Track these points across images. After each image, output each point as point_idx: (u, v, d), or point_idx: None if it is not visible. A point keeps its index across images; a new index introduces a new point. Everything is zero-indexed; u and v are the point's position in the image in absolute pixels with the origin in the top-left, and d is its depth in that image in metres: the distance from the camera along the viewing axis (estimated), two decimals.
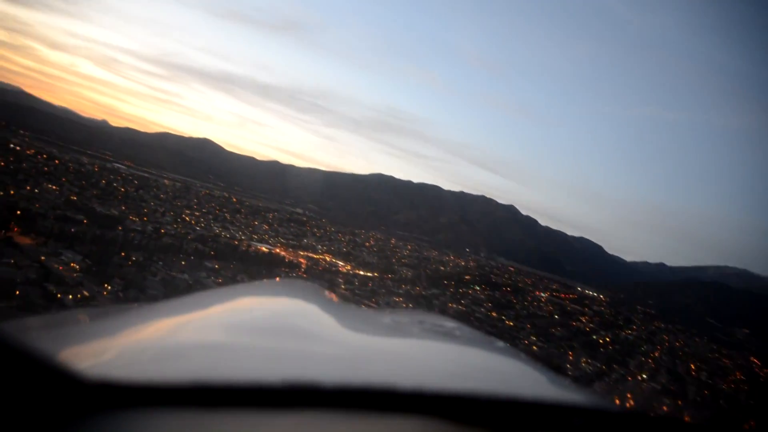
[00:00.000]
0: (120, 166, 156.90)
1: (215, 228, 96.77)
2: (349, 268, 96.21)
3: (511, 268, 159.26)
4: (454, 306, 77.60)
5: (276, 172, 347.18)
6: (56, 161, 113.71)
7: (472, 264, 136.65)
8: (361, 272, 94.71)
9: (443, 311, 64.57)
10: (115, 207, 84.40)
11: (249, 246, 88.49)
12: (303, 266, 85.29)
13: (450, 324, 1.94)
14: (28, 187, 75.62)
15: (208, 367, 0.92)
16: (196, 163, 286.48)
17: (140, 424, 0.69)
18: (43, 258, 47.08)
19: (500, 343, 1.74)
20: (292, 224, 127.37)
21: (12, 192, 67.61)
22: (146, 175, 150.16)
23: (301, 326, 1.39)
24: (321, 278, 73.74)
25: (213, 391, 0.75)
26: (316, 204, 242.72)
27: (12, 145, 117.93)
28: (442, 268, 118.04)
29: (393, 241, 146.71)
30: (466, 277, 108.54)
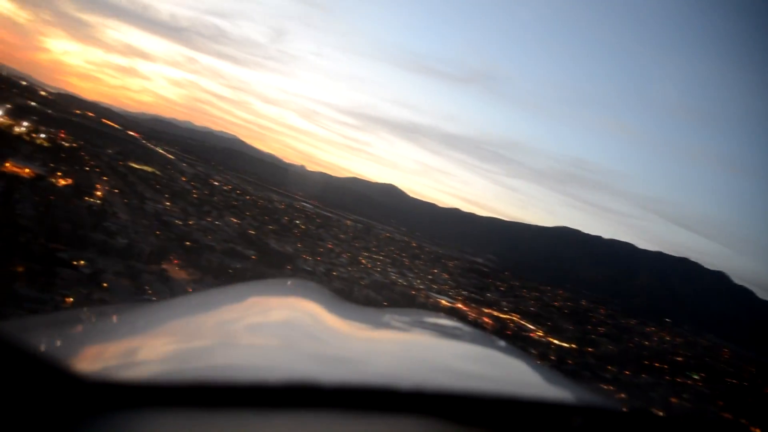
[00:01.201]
0: (307, 205, 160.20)
1: (392, 274, 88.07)
2: (540, 334, 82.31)
3: (725, 350, 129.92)
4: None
5: (456, 220, 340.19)
6: (247, 197, 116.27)
7: (678, 340, 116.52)
8: (556, 341, 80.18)
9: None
10: (291, 244, 79.55)
11: (427, 298, 77.09)
12: (489, 328, 70.87)
13: (450, 323, 1.95)
14: (209, 219, 74.33)
15: (208, 367, 0.92)
16: (380, 207, 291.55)
17: (141, 424, 0.69)
18: None
19: (501, 342, 1.75)
20: (473, 275, 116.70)
21: (191, 222, 65.23)
22: (330, 214, 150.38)
23: (301, 326, 1.40)
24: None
25: (213, 390, 0.75)
26: (497, 254, 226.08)
27: (212, 181, 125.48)
28: (646, 342, 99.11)
29: (584, 302, 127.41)
30: (678, 359, 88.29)
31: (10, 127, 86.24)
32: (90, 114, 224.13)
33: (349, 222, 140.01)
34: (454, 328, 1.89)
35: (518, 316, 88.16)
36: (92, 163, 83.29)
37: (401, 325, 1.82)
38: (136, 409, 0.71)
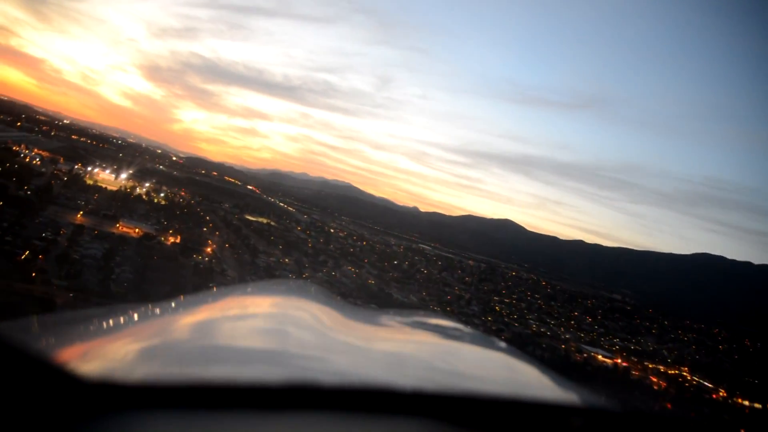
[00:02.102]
0: (425, 247, 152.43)
1: (531, 321, 75.58)
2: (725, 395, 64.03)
3: None
4: None
5: (581, 253, 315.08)
6: (363, 242, 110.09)
7: None
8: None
9: None
10: (415, 293, 70.50)
11: (580, 353, 63.55)
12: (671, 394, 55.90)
13: (451, 324, 1.98)
14: (325, 269, 67.75)
15: (208, 368, 0.92)
16: (498, 243, 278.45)
17: (141, 424, 0.69)
18: None
19: (501, 344, 1.77)
20: (618, 315, 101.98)
21: (305, 276, 58.48)
22: (450, 255, 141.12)
23: (302, 326, 1.40)
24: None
25: (213, 391, 0.75)
26: (632, 288, 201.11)
27: (328, 228, 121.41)
28: None
29: (747, 342, 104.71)
30: None
31: (133, 188, 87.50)
32: (213, 173, 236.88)
33: (471, 263, 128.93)
34: (454, 329, 1.89)
35: (688, 371, 70.84)
36: (207, 218, 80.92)
37: (401, 326, 1.83)
38: (136, 410, 0.71)
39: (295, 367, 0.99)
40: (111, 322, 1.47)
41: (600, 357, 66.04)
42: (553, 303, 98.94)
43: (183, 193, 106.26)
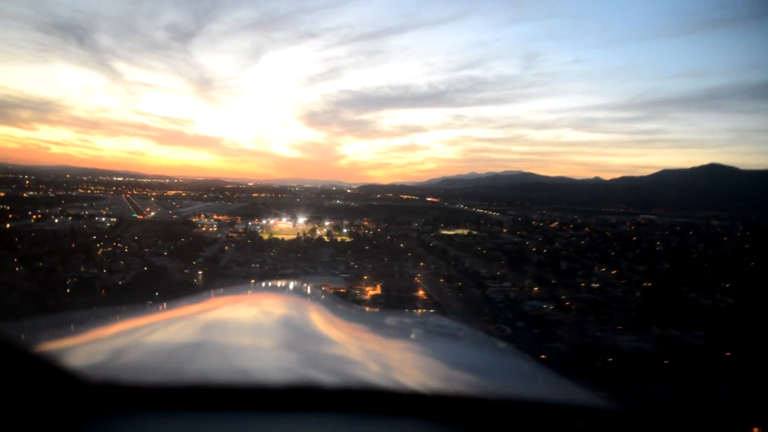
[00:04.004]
0: (650, 217, 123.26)
1: None
2: None
3: None
4: None
5: None
6: (586, 228, 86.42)
7: None
8: None
9: None
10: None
11: None
12: None
13: (451, 325, 1.99)
14: (583, 284, 47.19)
15: (208, 369, 0.92)
16: (711, 192, 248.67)
17: (141, 425, 0.69)
18: None
19: (502, 344, 1.76)
20: None
21: (569, 306, 38.67)
22: (696, 222, 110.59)
23: (302, 327, 1.42)
24: None
25: (213, 392, 0.75)
26: None
27: (537, 223, 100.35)
28: None
29: None
30: None
31: (312, 231, 76.58)
32: (388, 195, 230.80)
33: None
34: (454, 329, 1.89)
35: None
36: (401, 245, 65.53)
37: (402, 326, 1.85)
38: (137, 411, 0.71)
39: (296, 368, 0.99)
40: (113, 323, 1.46)
41: None
42: None
43: (366, 223, 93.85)
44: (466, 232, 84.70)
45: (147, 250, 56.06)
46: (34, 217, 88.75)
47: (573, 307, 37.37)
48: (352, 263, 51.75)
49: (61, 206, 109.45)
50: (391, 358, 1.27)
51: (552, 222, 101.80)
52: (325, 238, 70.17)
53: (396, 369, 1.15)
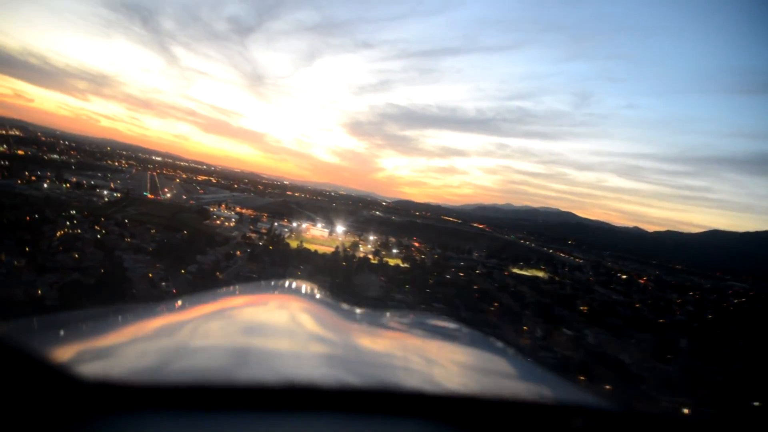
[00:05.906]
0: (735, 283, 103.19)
1: None
2: None
3: None
4: None
5: None
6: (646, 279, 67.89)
7: None
8: None
9: None
10: None
11: None
12: None
13: (450, 325, 1.98)
14: None
15: (207, 368, 0.92)
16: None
17: (140, 425, 0.69)
18: None
19: (500, 344, 1.76)
20: None
21: None
22: None
23: (301, 327, 1.41)
24: None
25: (213, 391, 0.75)
26: None
27: (615, 272, 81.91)
28: None
29: None
30: None
31: (354, 247, 59.91)
32: (427, 213, 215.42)
33: None
34: (454, 329, 1.88)
35: None
36: (475, 286, 48.15)
37: (400, 326, 1.84)
38: (135, 410, 0.70)
39: (295, 368, 0.99)
40: (111, 322, 1.46)
41: None
42: None
43: (417, 245, 76.70)
44: (543, 275, 66.89)
45: (128, 240, 39.99)
46: (33, 178, 75.50)
47: None
48: (418, 305, 34.58)
49: (70, 172, 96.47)
50: (389, 358, 1.27)
51: (639, 276, 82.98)
52: (372, 258, 53.40)
53: (394, 369, 1.15)
